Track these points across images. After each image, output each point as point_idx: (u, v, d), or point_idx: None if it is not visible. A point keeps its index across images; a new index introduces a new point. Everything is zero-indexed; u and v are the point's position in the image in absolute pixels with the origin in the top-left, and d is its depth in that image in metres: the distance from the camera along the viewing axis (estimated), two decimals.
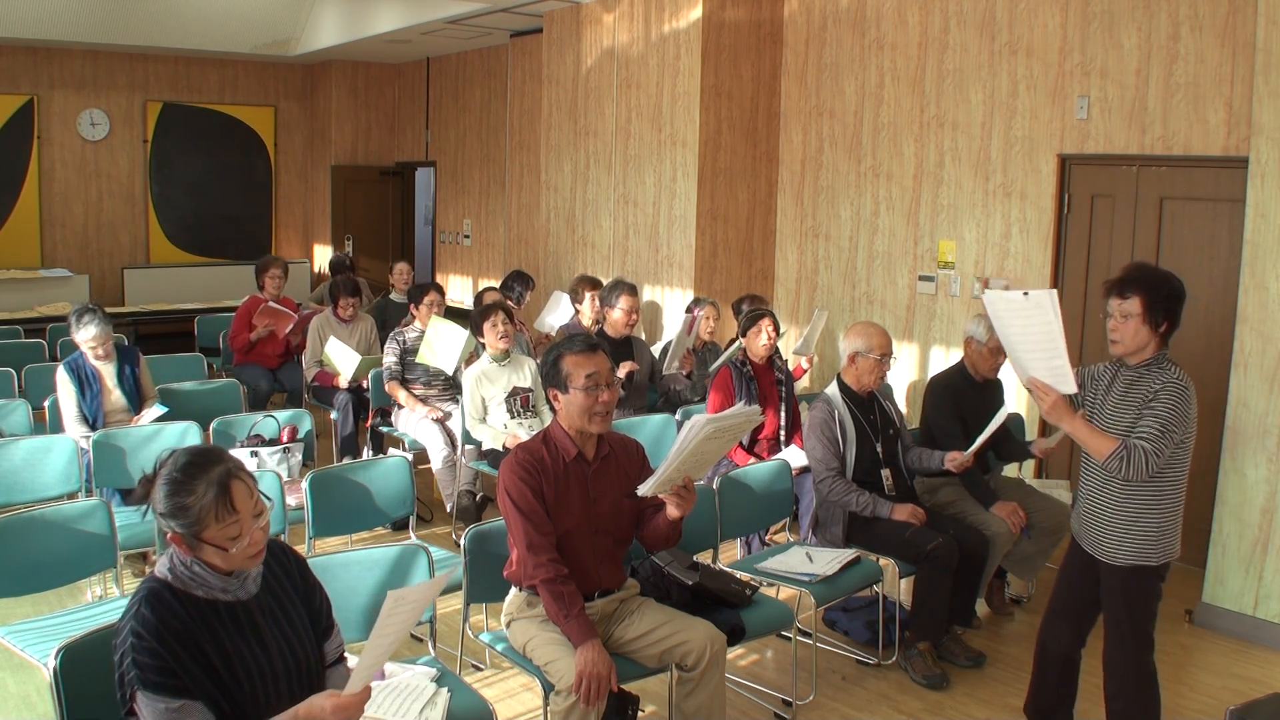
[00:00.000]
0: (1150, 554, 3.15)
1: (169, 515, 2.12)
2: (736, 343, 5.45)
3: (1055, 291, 3.07)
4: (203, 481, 2.12)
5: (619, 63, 7.52)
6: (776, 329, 5.31)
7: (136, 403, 5.26)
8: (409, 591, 2.11)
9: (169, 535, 2.14)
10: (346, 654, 2.43)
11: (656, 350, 6.50)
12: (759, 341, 5.19)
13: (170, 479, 2.13)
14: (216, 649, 2.11)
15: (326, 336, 6.60)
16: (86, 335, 5.08)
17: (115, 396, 5.19)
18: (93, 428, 4.98)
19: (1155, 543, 3.15)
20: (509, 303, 6.61)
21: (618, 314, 6.01)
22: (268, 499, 2.22)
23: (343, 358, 6.23)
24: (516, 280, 7.46)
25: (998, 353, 4.44)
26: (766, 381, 5.22)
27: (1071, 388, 3.12)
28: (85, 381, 5.10)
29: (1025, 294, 3.07)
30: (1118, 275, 3.18)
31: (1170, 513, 3.16)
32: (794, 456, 4.77)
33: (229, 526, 2.11)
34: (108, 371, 5.20)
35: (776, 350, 5.43)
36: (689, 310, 6.50)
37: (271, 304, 7.22)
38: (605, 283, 6.59)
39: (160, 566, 2.17)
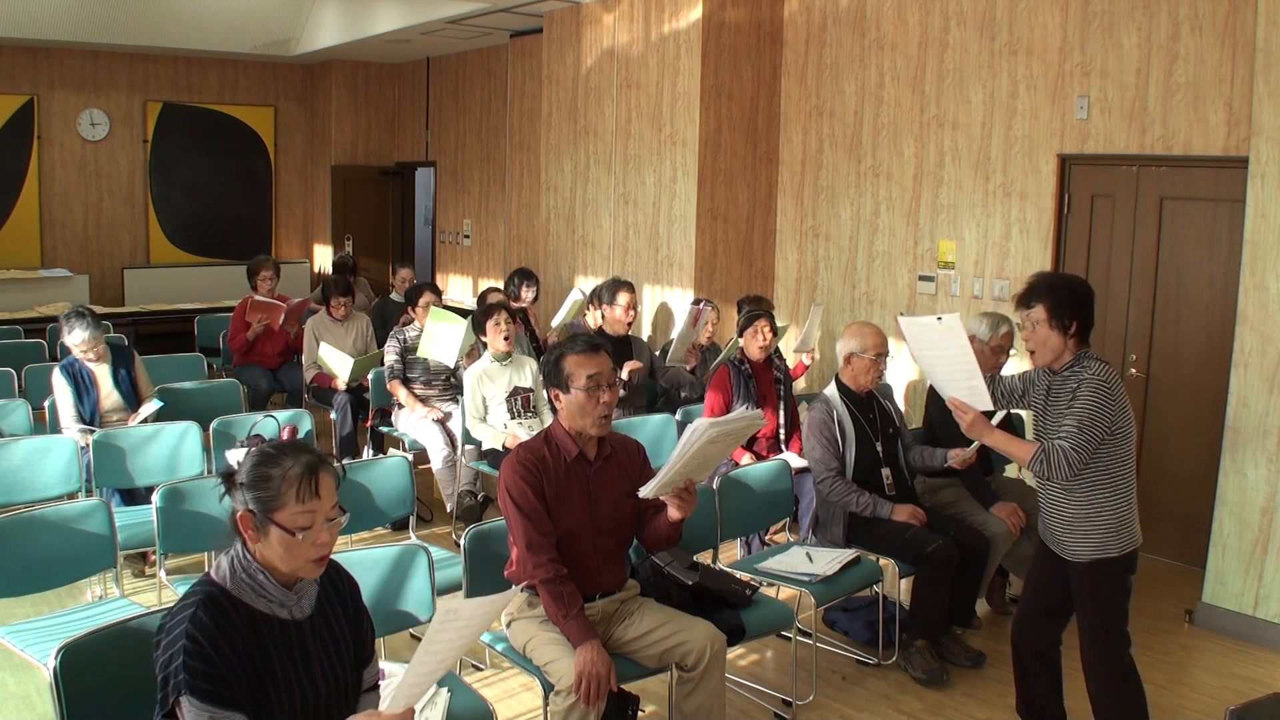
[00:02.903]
0: (1110, 545, 3.20)
1: (249, 485, 2.08)
2: (734, 341, 5.46)
3: (959, 315, 3.23)
4: (293, 459, 2.10)
5: (619, 63, 7.52)
6: (774, 331, 5.31)
7: (134, 402, 5.25)
8: (463, 605, 2.02)
9: (239, 514, 2.09)
10: (380, 682, 2.39)
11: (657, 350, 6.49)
12: (756, 343, 5.20)
13: (262, 451, 2.13)
14: (265, 664, 2.06)
15: (322, 339, 6.60)
16: (76, 339, 5.10)
17: (112, 398, 5.19)
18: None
19: (1114, 534, 3.20)
20: (509, 299, 6.61)
21: (617, 312, 6.00)
22: (344, 510, 2.16)
23: (336, 362, 6.23)
24: (515, 276, 7.44)
25: (1000, 352, 4.46)
26: (765, 381, 5.23)
27: (988, 404, 3.26)
28: (81, 383, 5.11)
29: (939, 318, 3.22)
30: (1022, 289, 3.31)
31: (1124, 503, 3.21)
32: (795, 462, 4.76)
33: (304, 514, 2.07)
34: (103, 373, 5.20)
35: (776, 349, 5.43)
36: (695, 303, 6.47)
37: (258, 297, 7.22)
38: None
39: (218, 570, 2.11)
